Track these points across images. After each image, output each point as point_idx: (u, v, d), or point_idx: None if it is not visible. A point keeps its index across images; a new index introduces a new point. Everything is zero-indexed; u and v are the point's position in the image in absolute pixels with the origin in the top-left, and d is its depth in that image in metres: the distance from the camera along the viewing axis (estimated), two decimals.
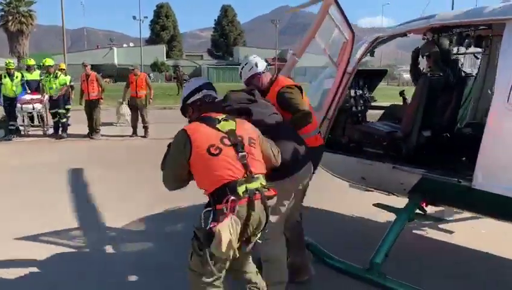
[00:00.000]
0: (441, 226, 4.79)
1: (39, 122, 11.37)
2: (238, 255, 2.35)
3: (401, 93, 4.99)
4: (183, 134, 2.49)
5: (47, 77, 10.81)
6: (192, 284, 2.49)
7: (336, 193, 5.61)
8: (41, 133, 11.27)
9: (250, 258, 2.67)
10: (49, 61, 10.87)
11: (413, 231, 4.71)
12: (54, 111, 10.81)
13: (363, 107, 4.74)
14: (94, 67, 13.64)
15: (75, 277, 3.74)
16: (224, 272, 2.46)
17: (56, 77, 10.76)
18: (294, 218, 3.41)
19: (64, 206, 5.55)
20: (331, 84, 4.05)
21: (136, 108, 11.15)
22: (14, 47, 50.37)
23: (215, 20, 79.95)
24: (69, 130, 11.09)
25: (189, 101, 2.77)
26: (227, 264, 2.43)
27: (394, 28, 4.32)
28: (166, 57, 60.84)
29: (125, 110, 12.34)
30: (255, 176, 2.45)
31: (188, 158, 2.44)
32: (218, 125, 2.51)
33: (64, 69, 11.73)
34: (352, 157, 4.16)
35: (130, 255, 4.26)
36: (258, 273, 2.74)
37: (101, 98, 11.12)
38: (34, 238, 4.49)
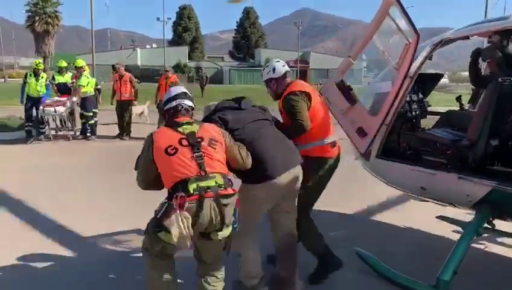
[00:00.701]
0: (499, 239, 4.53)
1: (62, 125, 11.01)
2: (188, 245, 2.54)
3: (458, 99, 4.74)
4: (149, 137, 2.78)
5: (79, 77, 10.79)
6: (144, 257, 2.79)
7: (391, 203, 5.40)
8: (68, 135, 10.87)
9: (222, 246, 2.78)
10: (80, 62, 10.84)
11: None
12: (81, 112, 10.79)
13: (418, 113, 4.51)
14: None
15: None
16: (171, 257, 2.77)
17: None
18: (285, 229, 3.33)
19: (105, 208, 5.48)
20: (390, 88, 3.83)
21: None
22: (40, 47, 51.41)
23: (237, 22, 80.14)
24: (98, 131, 11.01)
25: (165, 108, 3.00)
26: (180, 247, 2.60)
27: (460, 30, 4.06)
28: (188, 59, 61.19)
29: (146, 110, 13.42)
30: (210, 175, 2.60)
31: (152, 158, 2.71)
32: (180, 128, 2.74)
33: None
34: (410, 165, 3.94)
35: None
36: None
37: (134, 100, 11.05)
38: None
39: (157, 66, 51.84)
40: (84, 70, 10.74)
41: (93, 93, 10.92)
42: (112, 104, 11.16)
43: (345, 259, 3.68)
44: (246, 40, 76.38)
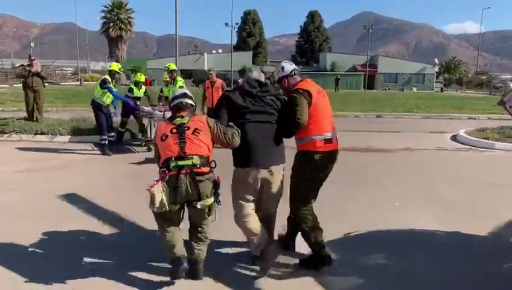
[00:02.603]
0: None
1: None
2: (167, 209, 3.19)
3: None
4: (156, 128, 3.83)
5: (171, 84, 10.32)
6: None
7: None
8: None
9: (206, 213, 3.37)
10: (172, 66, 10.39)
11: None
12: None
13: None
14: (184, 72, 13.58)
15: None
16: (177, 220, 3.42)
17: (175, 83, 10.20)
18: (266, 211, 3.81)
19: None
20: None
21: None
22: (113, 52, 54.00)
23: (301, 26, 79.36)
24: None
25: (170, 106, 3.76)
26: (175, 215, 3.37)
27: None
28: (252, 63, 61.31)
29: None
30: (189, 156, 3.27)
31: (155, 143, 3.59)
32: (174, 121, 3.49)
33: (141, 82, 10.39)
34: None
35: None
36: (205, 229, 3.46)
37: None
38: None
39: (224, 71, 52.46)
40: (176, 76, 10.42)
41: None
42: (203, 112, 10.75)
43: None
44: (310, 44, 75.42)
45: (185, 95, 3.69)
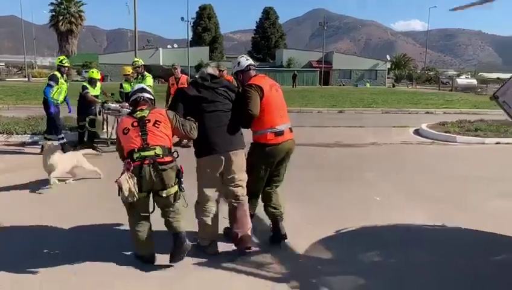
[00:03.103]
0: None
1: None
2: (137, 197, 3.39)
3: None
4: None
5: (135, 79, 9.85)
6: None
7: None
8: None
9: (171, 199, 3.58)
10: (141, 61, 9.98)
11: None
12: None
13: None
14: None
15: None
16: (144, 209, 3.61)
17: (144, 78, 9.60)
18: (231, 197, 3.91)
19: None
20: None
21: None
22: (64, 46, 51.53)
23: (256, 22, 79.61)
24: None
25: (129, 101, 3.98)
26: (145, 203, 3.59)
27: None
28: (209, 59, 60.65)
29: None
30: (151, 147, 3.47)
31: (118, 137, 3.75)
32: (134, 115, 3.67)
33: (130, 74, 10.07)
34: None
35: None
36: (176, 213, 3.64)
37: None
38: None
39: (180, 66, 51.45)
40: (144, 71, 9.96)
41: None
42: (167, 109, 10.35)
43: None
44: (266, 41, 75.68)
45: (142, 90, 3.90)
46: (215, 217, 3.91)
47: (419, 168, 7.87)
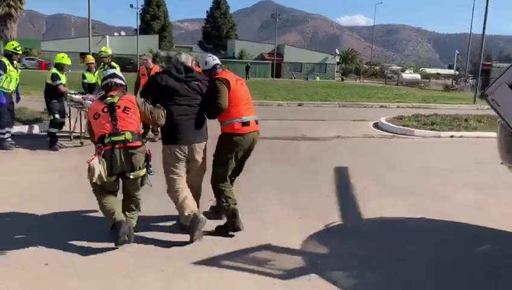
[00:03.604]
0: None
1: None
2: (105, 180, 3.63)
3: None
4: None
5: (101, 68, 9.45)
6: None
7: None
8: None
9: (139, 183, 3.87)
10: (109, 51, 9.47)
11: None
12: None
13: None
14: (84, 55, 12.17)
15: None
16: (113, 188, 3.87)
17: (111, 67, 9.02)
18: (191, 183, 4.24)
19: None
20: None
21: None
22: (1, 31, 47.92)
23: (207, 11, 78.39)
24: None
25: (101, 86, 4.17)
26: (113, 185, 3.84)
27: None
28: (159, 48, 59.10)
29: None
30: (121, 132, 3.69)
31: (88, 121, 4.03)
32: (104, 100, 3.84)
33: (93, 63, 9.58)
34: None
35: None
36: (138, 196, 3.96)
37: None
38: None
39: (128, 55, 49.71)
40: (111, 61, 9.52)
41: None
42: None
43: None
44: (216, 31, 74.90)
45: (114, 75, 4.05)
46: (188, 191, 4.14)
47: (385, 161, 8.18)
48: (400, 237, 4.49)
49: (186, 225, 3.97)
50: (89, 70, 9.59)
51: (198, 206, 4.18)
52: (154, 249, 3.87)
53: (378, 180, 6.62)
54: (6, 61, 7.70)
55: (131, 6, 49.70)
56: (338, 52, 69.24)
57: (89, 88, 9.40)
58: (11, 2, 47.82)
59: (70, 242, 3.92)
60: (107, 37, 56.03)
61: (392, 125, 12.18)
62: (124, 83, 4.08)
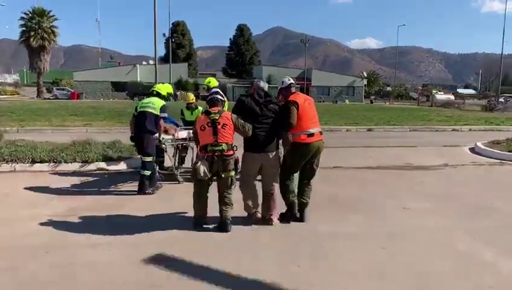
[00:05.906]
0: None
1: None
2: (208, 177, 4.92)
3: None
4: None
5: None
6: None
7: None
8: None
9: (229, 181, 4.99)
10: (214, 82, 8.46)
11: None
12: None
13: None
14: (119, 84, 11.98)
15: None
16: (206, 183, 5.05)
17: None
18: (264, 183, 5.33)
19: None
20: None
21: None
22: (35, 63, 48.57)
23: (230, 39, 79.43)
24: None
25: (207, 99, 5.38)
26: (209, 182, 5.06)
27: None
28: (188, 75, 59.56)
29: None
30: (220, 143, 4.89)
31: (195, 130, 5.19)
32: (209, 116, 4.99)
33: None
34: None
35: None
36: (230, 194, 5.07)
37: None
38: None
39: (159, 83, 49.86)
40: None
41: None
42: None
43: None
44: (240, 57, 75.47)
45: (217, 92, 5.43)
46: (255, 190, 5.30)
47: None
48: None
49: (250, 212, 5.33)
50: (188, 108, 8.91)
51: (270, 209, 5.28)
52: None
53: None
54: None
55: (164, 35, 50.30)
56: (365, 75, 69.01)
57: (186, 125, 8.56)
58: (45, 35, 48.93)
59: None
60: (138, 66, 56.63)
61: (496, 151, 11.37)
62: (224, 99, 5.59)
